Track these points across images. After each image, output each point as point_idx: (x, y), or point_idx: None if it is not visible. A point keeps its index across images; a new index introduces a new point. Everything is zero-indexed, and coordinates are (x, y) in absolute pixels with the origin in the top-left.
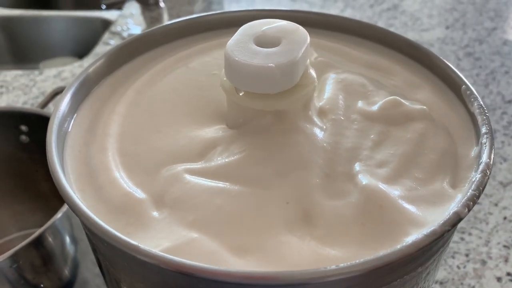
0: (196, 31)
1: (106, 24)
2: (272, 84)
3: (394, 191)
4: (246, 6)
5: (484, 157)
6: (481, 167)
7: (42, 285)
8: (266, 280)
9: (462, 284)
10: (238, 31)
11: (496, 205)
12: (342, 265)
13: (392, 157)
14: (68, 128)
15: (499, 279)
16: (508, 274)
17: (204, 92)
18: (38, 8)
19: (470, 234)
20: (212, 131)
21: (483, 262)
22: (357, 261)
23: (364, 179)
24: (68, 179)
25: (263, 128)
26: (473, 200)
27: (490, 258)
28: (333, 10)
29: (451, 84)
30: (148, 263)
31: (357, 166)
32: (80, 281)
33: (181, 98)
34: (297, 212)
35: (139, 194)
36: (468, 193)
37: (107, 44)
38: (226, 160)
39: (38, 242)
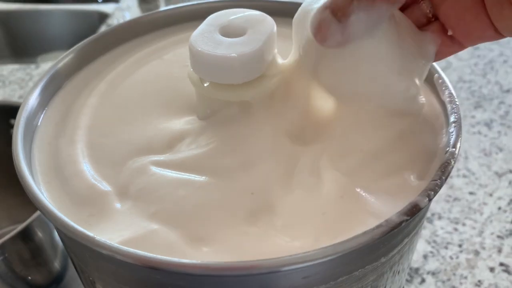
0: (172, 23)
1: (103, 17)
2: (236, 74)
3: (356, 182)
4: None
5: (450, 146)
6: (446, 156)
7: (29, 278)
8: (210, 270)
9: (454, 274)
10: (204, 20)
11: (491, 195)
12: (295, 255)
13: (361, 148)
14: (38, 121)
15: (491, 269)
16: (501, 264)
17: (177, 84)
18: (35, 2)
19: (464, 224)
20: (182, 123)
21: (476, 253)
22: (311, 251)
23: (327, 170)
24: (34, 171)
25: (230, 119)
26: (434, 189)
27: (484, 248)
28: None
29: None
30: (104, 255)
31: (323, 157)
32: (71, 273)
33: (153, 90)
34: (260, 203)
35: (104, 186)
36: (430, 182)
37: None
38: (193, 152)
39: (26, 234)
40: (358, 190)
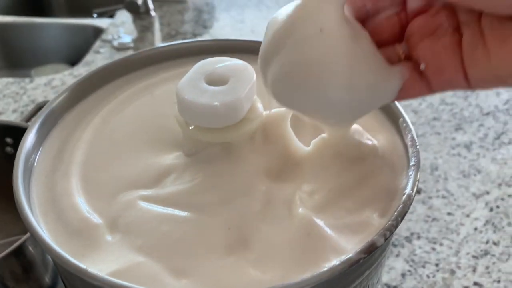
0: (162, 60)
1: (97, 32)
2: (218, 120)
3: (323, 220)
4: (236, 15)
5: (408, 189)
6: (403, 198)
7: None
8: None
9: None
10: (192, 68)
11: (468, 216)
12: None
13: (329, 187)
14: (36, 157)
15: None
16: (475, 283)
17: (165, 120)
18: (30, 15)
19: (441, 244)
20: (169, 159)
21: (452, 272)
22: (279, 285)
23: (298, 207)
24: (32, 203)
25: (213, 158)
26: (391, 229)
27: (459, 268)
28: None
29: (392, 117)
30: (95, 285)
31: (295, 194)
32: None
33: (143, 126)
34: (236, 237)
35: (96, 218)
36: (387, 223)
37: (97, 53)
38: (178, 187)
39: (19, 252)
40: (324, 227)
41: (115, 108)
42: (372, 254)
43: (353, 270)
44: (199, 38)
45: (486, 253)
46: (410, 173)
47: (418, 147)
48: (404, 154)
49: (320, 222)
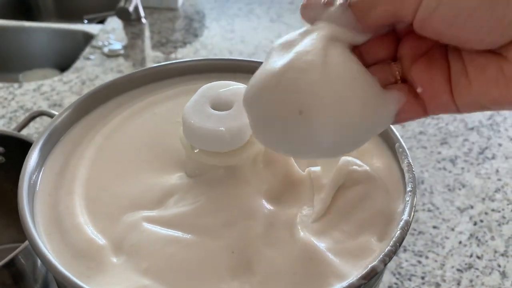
0: (163, 78)
1: (87, 37)
2: (223, 144)
3: (324, 244)
4: (226, 25)
5: (405, 215)
6: (401, 224)
7: None
8: None
9: None
10: (197, 92)
11: (452, 229)
12: None
13: (328, 212)
14: (39, 174)
15: None
16: None
17: (167, 140)
18: (20, 19)
19: (427, 257)
20: (171, 179)
21: (437, 285)
22: None
23: (299, 231)
24: (37, 222)
25: (216, 180)
26: (390, 255)
27: (444, 281)
28: None
29: (388, 141)
30: None
31: (297, 217)
32: None
33: (146, 144)
34: (240, 260)
35: (100, 240)
36: (386, 249)
37: (88, 59)
38: (181, 209)
39: (11, 264)
40: (326, 252)
41: (117, 126)
42: (373, 279)
43: None
44: (188, 46)
45: (470, 266)
46: (407, 198)
47: (414, 172)
48: (400, 178)
49: (321, 246)
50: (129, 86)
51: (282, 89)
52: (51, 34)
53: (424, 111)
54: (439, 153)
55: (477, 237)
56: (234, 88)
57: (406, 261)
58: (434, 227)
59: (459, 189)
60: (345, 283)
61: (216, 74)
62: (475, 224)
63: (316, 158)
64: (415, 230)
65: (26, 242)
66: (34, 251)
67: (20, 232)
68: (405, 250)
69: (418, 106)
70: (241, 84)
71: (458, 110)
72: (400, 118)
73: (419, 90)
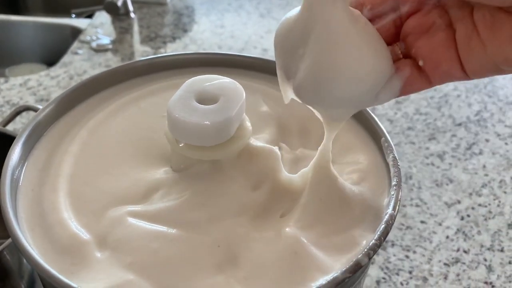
0: (148, 72)
1: (75, 32)
2: (208, 138)
3: (309, 238)
4: (216, 20)
5: (390, 209)
6: (385, 217)
7: None
8: None
9: None
10: (182, 86)
11: (440, 224)
12: None
13: (315, 207)
14: (22, 170)
15: None
16: None
17: (152, 134)
18: (7, 13)
19: (414, 252)
20: (156, 174)
21: (425, 279)
22: None
23: (285, 226)
24: (19, 218)
25: (202, 175)
26: (374, 249)
27: (431, 275)
28: None
29: (374, 136)
30: None
31: (284, 211)
32: None
33: (130, 139)
34: (225, 255)
35: (84, 235)
36: (371, 243)
37: (75, 54)
38: (166, 204)
39: None
40: (310, 246)
41: (101, 121)
42: (358, 272)
43: None
44: (177, 41)
45: (457, 260)
46: (392, 192)
47: (399, 166)
48: (385, 173)
49: (306, 240)
50: (114, 81)
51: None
52: (38, 28)
53: (429, 82)
54: (427, 148)
55: (464, 232)
56: (219, 82)
57: (394, 255)
58: (422, 222)
59: (447, 184)
60: (329, 277)
61: (202, 69)
62: (462, 219)
63: (337, 107)
64: (403, 225)
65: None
66: (17, 246)
67: (4, 229)
68: (393, 245)
69: (422, 78)
70: (227, 78)
71: (467, 76)
72: (405, 90)
73: (420, 63)
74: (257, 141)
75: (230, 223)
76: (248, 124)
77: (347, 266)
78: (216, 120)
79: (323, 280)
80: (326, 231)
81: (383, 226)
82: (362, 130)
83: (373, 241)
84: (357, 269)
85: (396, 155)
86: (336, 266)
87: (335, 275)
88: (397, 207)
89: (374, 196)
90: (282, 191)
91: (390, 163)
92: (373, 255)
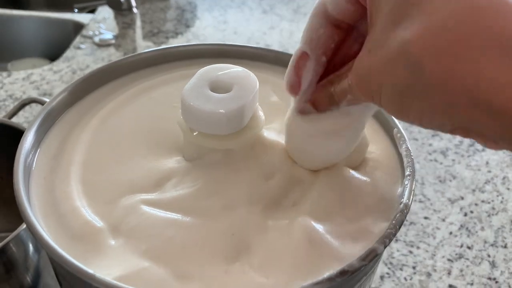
0: (159, 62)
1: (78, 27)
2: (222, 127)
3: (323, 227)
4: (218, 16)
5: (404, 198)
6: (400, 207)
7: None
8: None
9: None
10: (195, 74)
11: (443, 220)
12: None
13: (327, 197)
14: (34, 157)
15: None
16: (450, 286)
17: (164, 123)
18: (9, 8)
19: (418, 247)
20: (169, 163)
21: (428, 275)
22: None
23: (299, 215)
24: (33, 205)
25: (215, 164)
26: (389, 237)
27: (435, 270)
28: (303, 23)
29: (386, 127)
30: None
31: (297, 201)
32: None
33: (143, 128)
34: (240, 243)
35: (98, 222)
36: (386, 231)
37: (78, 48)
38: (180, 192)
39: (2, 252)
40: (325, 234)
41: (113, 109)
42: (373, 260)
43: (353, 277)
44: (180, 37)
45: (460, 256)
46: (406, 182)
47: (412, 156)
48: (398, 163)
49: (321, 229)
50: (125, 71)
51: None
52: (40, 23)
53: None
54: (430, 145)
55: (467, 228)
56: (233, 71)
57: (398, 251)
58: (426, 217)
59: (450, 180)
60: (345, 265)
61: (212, 60)
62: (465, 215)
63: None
64: (406, 220)
65: (17, 230)
66: (31, 232)
67: (10, 222)
68: (396, 240)
69: None
70: (240, 67)
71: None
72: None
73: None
74: (270, 133)
75: (244, 212)
76: (261, 113)
77: (363, 254)
78: (231, 108)
79: (339, 268)
80: (340, 220)
81: (398, 215)
82: (373, 121)
83: (389, 229)
84: (372, 257)
85: (409, 145)
86: (351, 254)
87: (352, 262)
88: (411, 197)
89: (387, 186)
90: (295, 180)
91: (403, 153)
92: (388, 243)
